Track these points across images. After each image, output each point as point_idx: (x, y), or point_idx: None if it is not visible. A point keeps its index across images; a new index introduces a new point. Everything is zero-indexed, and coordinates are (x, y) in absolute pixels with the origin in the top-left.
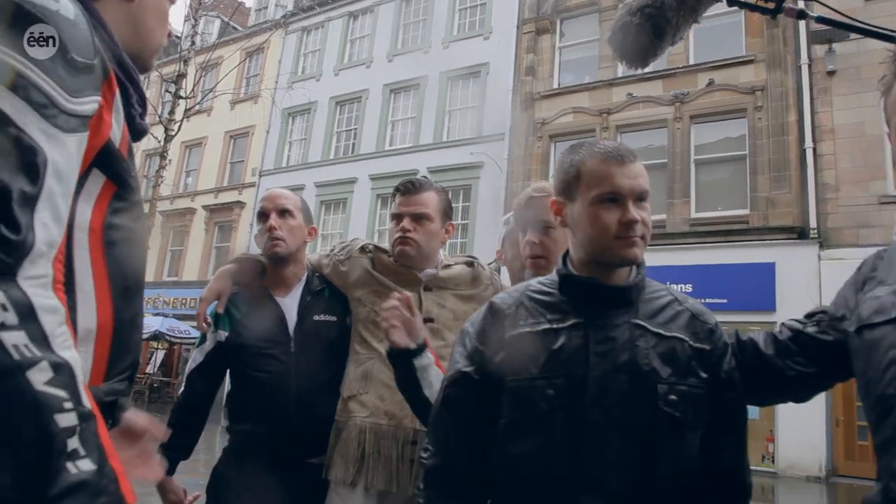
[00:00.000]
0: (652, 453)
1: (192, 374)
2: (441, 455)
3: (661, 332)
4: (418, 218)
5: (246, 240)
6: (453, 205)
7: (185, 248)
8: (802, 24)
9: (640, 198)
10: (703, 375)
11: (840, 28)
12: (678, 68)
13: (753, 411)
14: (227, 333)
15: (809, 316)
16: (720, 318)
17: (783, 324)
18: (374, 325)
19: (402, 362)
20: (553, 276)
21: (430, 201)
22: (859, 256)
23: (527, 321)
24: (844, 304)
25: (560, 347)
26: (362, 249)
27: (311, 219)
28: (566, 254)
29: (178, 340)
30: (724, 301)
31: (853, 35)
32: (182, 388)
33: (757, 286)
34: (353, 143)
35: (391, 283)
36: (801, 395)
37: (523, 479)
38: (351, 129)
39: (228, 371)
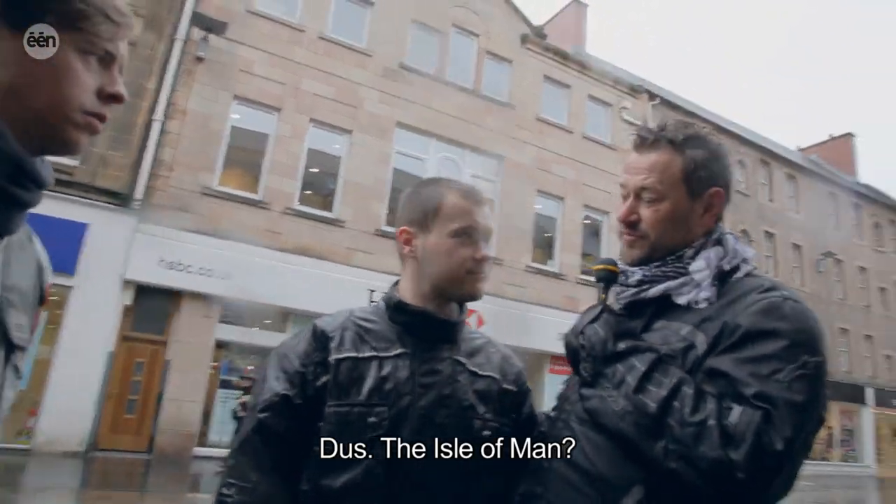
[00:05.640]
0: (464, 490)
1: None
2: (250, 490)
3: (477, 370)
4: None
5: None
6: None
7: None
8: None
9: (487, 238)
10: (512, 415)
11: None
12: None
13: (24, 381)
14: None
15: None
16: None
17: None
18: None
19: None
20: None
21: None
22: (172, 237)
23: (352, 347)
24: None
25: (386, 376)
26: None
27: None
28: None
29: None
30: None
31: (230, 35)
32: None
33: (63, 245)
34: None
35: None
36: None
37: None
38: None
39: None
